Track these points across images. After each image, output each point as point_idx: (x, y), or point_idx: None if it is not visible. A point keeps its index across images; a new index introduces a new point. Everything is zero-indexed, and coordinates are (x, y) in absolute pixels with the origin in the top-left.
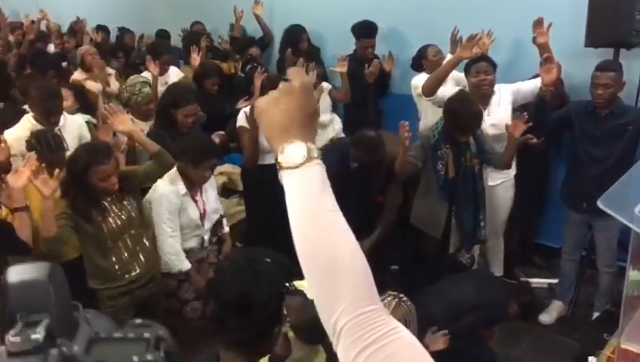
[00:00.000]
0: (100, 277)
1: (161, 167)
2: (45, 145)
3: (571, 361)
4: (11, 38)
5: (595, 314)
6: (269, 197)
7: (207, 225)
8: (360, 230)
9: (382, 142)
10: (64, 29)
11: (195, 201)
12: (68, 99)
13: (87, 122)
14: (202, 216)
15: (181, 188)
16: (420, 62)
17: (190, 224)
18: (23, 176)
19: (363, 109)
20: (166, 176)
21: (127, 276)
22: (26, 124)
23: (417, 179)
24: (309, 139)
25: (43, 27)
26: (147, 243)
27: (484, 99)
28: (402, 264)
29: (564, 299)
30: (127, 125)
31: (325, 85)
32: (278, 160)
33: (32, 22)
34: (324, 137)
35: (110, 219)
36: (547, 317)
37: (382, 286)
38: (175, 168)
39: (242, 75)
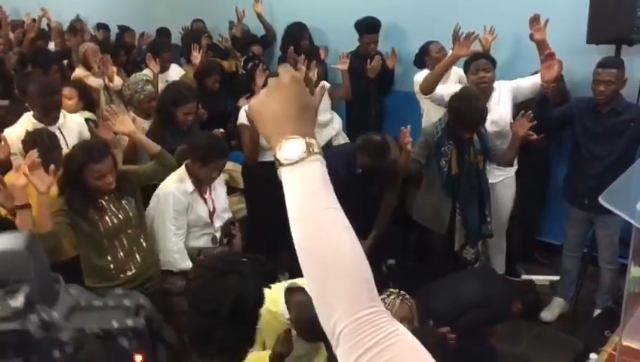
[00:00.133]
0: (95, 276)
1: (161, 167)
2: (41, 144)
3: (573, 358)
4: (12, 36)
5: (597, 311)
6: (269, 194)
7: (218, 223)
8: (361, 232)
9: (388, 147)
10: (65, 28)
11: (204, 199)
12: (73, 98)
13: (87, 120)
14: (212, 214)
15: (189, 186)
16: (422, 59)
17: (199, 222)
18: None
19: (365, 107)
20: (174, 174)
21: (122, 275)
22: (26, 123)
23: (419, 177)
24: (307, 134)
25: (44, 25)
26: (144, 244)
27: (484, 97)
28: (402, 260)
29: (565, 296)
30: (128, 126)
31: (324, 84)
32: (277, 156)
33: (33, 20)
34: (323, 136)
35: (107, 218)
36: (549, 315)
37: (379, 282)
38: (184, 166)
39: (244, 72)
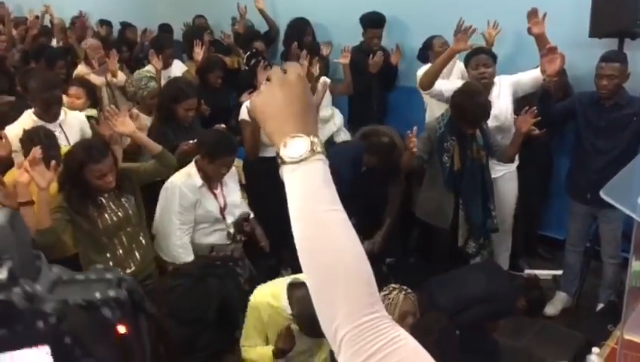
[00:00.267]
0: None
1: (162, 166)
2: (38, 143)
3: (575, 352)
4: (15, 33)
5: (600, 306)
6: (270, 190)
7: (230, 218)
8: (368, 229)
9: (395, 146)
10: (68, 24)
11: (214, 195)
12: (81, 97)
13: (89, 117)
14: (223, 210)
15: (197, 181)
16: (426, 53)
17: (208, 218)
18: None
19: (367, 102)
20: (184, 169)
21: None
22: (27, 120)
23: (421, 173)
24: (311, 132)
25: (47, 22)
26: (143, 241)
27: (485, 92)
28: (404, 256)
29: (568, 290)
30: (128, 127)
31: (325, 80)
32: (280, 154)
33: (36, 17)
34: (324, 132)
35: (106, 216)
36: (552, 309)
37: (379, 280)
38: (193, 161)
39: (246, 68)
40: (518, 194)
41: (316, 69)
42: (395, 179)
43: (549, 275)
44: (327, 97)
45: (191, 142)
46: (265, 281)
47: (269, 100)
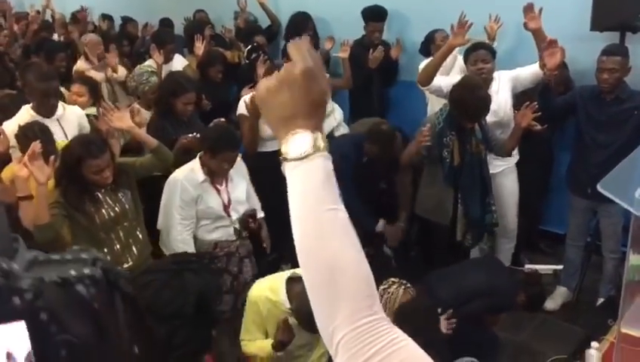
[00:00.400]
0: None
1: (159, 161)
2: (33, 138)
3: (575, 347)
4: (16, 28)
5: (600, 301)
6: (270, 184)
7: (235, 215)
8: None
9: (395, 136)
10: (69, 19)
11: (218, 191)
12: (83, 95)
13: (89, 115)
14: (227, 207)
15: (200, 176)
16: (428, 47)
17: (210, 214)
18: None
19: (368, 97)
20: (188, 163)
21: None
22: (25, 116)
23: (420, 168)
24: (316, 128)
25: (48, 17)
26: (140, 236)
27: (484, 86)
28: (404, 252)
29: (568, 285)
30: (125, 122)
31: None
32: (282, 150)
33: (37, 12)
34: (324, 127)
35: (103, 211)
36: (552, 304)
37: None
38: (198, 156)
39: (247, 62)
40: (518, 189)
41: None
42: (397, 170)
43: (550, 270)
44: None
45: (190, 136)
46: (265, 276)
47: (272, 94)
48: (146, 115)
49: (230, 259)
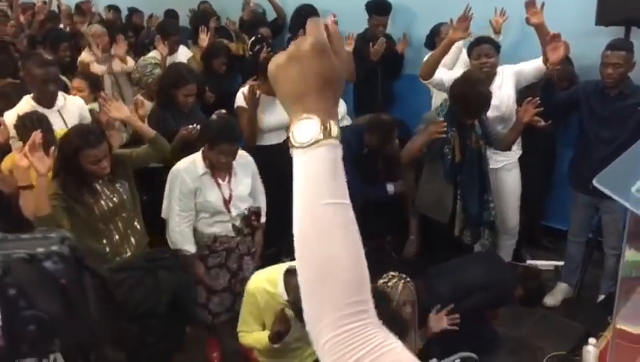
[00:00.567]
0: (90, 259)
1: (156, 151)
2: (31, 128)
3: (574, 343)
4: (23, 19)
5: (601, 297)
6: (270, 178)
7: (235, 211)
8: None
9: (395, 126)
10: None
11: (219, 185)
12: (83, 90)
13: (90, 110)
14: (227, 202)
15: (200, 168)
16: (433, 40)
17: (208, 208)
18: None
19: (372, 90)
20: (192, 155)
21: (117, 258)
22: (25, 106)
23: (420, 165)
24: (328, 113)
25: (54, 8)
26: (138, 226)
27: (487, 82)
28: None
29: (569, 281)
30: (123, 112)
31: None
32: (289, 135)
33: (44, 2)
34: None
35: (102, 202)
36: (552, 300)
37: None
38: (202, 148)
39: (251, 53)
40: (521, 185)
41: None
42: (399, 168)
43: (551, 266)
44: None
45: (190, 127)
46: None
47: (283, 70)
48: (149, 106)
49: (230, 255)
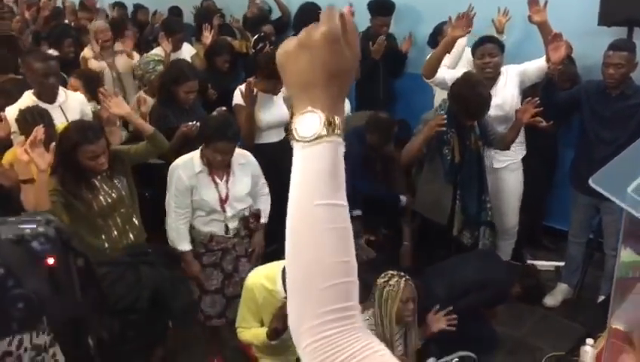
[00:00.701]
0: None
1: (154, 148)
2: (32, 122)
3: (573, 344)
4: (27, 15)
5: (601, 298)
6: (267, 176)
7: (230, 211)
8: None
9: (394, 125)
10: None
11: (216, 184)
12: (78, 89)
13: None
14: (223, 202)
15: (197, 166)
16: (436, 39)
17: (204, 206)
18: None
19: (374, 89)
20: (191, 152)
21: (116, 254)
22: (27, 101)
23: (421, 164)
24: (333, 107)
25: (59, 3)
26: (137, 222)
27: (490, 81)
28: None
29: (569, 282)
30: (123, 108)
31: None
32: (291, 127)
33: None
34: None
35: (100, 197)
36: (552, 300)
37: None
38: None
39: (253, 51)
40: (522, 185)
41: None
42: (395, 169)
43: (551, 266)
44: None
45: (190, 124)
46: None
47: (291, 58)
48: (152, 103)
49: (225, 255)
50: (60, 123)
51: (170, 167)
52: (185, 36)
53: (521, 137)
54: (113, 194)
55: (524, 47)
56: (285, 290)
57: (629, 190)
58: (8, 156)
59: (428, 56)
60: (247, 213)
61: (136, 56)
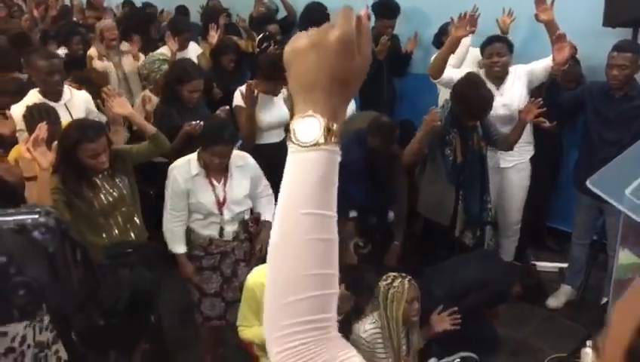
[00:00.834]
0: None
1: (156, 148)
2: (39, 119)
3: (576, 345)
4: (36, 13)
5: (604, 300)
6: (267, 177)
7: (228, 214)
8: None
9: (396, 128)
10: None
11: (213, 187)
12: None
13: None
14: (221, 204)
15: (194, 168)
16: (441, 39)
17: (201, 209)
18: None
19: (378, 89)
20: (190, 154)
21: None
22: (32, 99)
23: (423, 165)
24: (335, 114)
25: (67, 2)
26: (138, 221)
27: (498, 80)
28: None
29: (573, 283)
30: (126, 108)
31: None
32: (290, 127)
33: None
34: None
35: (102, 196)
36: (555, 302)
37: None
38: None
39: (259, 50)
40: (528, 186)
41: None
42: (397, 166)
43: (555, 268)
44: None
45: (193, 123)
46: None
47: (299, 57)
48: (157, 102)
49: (224, 259)
50: (65, 121)
51: (169, 168)
52: (191, 35)
53: (529, 137)
54: (114, 193)
55: (530, 46)
56: None
57: (626, 192)
58: (14, 153)
59: (433, 57)
60: (246, 217)
61: (142, 58)
